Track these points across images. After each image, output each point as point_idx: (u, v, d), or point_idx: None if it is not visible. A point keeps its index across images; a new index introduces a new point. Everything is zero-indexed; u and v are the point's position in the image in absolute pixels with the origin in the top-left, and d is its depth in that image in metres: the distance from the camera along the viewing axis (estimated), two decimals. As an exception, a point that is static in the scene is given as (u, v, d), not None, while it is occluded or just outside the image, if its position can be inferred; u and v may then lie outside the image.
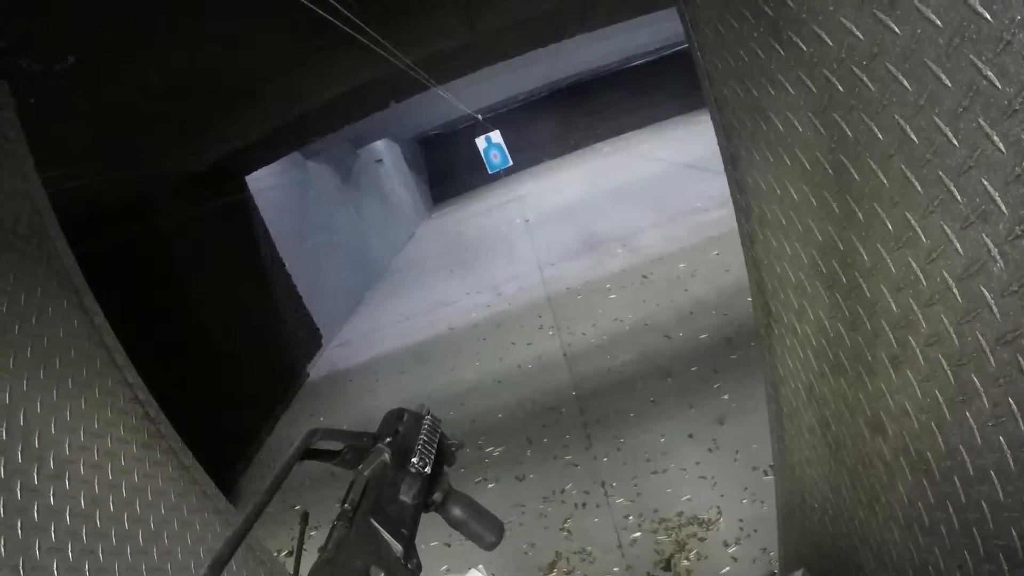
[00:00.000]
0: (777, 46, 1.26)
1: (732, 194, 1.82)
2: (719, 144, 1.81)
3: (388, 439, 0.97)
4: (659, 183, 13.54)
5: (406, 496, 0.88)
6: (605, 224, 11.16)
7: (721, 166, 1.80)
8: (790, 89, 1.27)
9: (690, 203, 10.58)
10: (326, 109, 7.28)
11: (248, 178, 9.46)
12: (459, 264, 12.95)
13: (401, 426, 1.01)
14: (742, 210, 1.78)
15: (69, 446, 1.44)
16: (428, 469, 0.93)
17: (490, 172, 21.80)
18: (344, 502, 0.82)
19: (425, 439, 0.99)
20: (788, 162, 1.39)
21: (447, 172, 27.38)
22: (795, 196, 1.42)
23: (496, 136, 21.40)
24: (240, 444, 6.68)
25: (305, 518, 0.90)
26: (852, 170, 1.16)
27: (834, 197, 1.26)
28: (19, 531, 1.24)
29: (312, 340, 9.90)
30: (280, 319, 9.13)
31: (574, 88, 25.73)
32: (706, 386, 4.93)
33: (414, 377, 7.50)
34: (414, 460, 0.93)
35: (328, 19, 3.47)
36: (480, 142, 21.54)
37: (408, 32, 4.64)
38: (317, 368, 9.41)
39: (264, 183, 9.92)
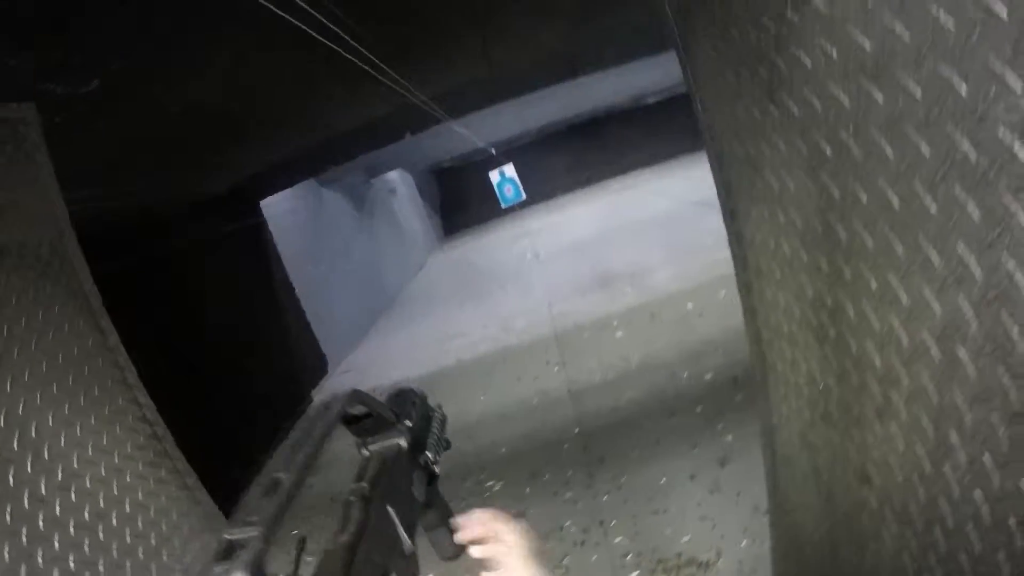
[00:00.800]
0: (772, 107, 1.30)
1: (730, 245, 1.86)
2: (719, 197, 1.85)
3: (407, 422, 0.87)
4: (669, 220, 13.57)
5: (417, 492, 0.83)
6: (615, 261, 11.19)
7: None
8: (783, 149, 1.31)
9: (699, 241, 10.56)
10: (342, 139, 7.40)
11: (262, 203, 9.57)
12: (469, 296, 12.97)
13: (414, 411, 0.91)
14: (739, 261, 1.82)
15: (77, 460, 1.48)
16: (438, 469, 0.89)
17: (503, 206, 21.98)
18: (361, 479, 0.74)
19: (437, 433, 0.93)
20: (782, 219, 1.43)
21: (460, 204, 27.50)
22: (788, 252, 1.46)
23: (510, 170, 21.59)
24: (239, 464, 6.68)
25: (302, 543, 0.77)
26: (839, 230, 1.20)
27: (823, 254, 1.30)
28: (24, 539, 1.28)
29: (318, 366, 9.94)
30: (287, 343, 9.18)
31: (588, 124, 25.86)
32: (710, 426, 4.93)
33: (418, 408, 7.47)
34: (428, 455, 0.88)
35: (345, 54, 3.56)
36: (494, 175, 21.73)
37: (424, 67, 4.74)
38: (321, 394, 9.40)
39: (278, 208, 10.04)
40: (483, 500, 4.90)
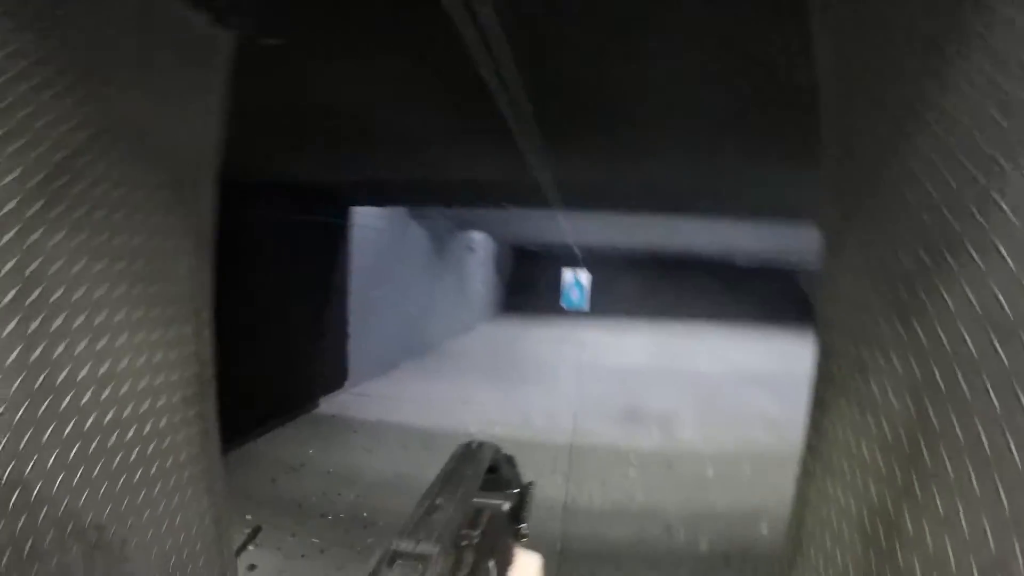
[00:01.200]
0: (900, 327, 1.33)
1: (806, 431, 1.83)
2: (812, 383, 1.83)
3: (516, 489, 0.84)
4: (717, 382, 13.41)
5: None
6: (650, 400, 11.06)
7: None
8: (899, 367, 1.32)
9: (738, 412, 10.45)
10: (452, 185, 7.60)
11: (354, 209, 9.83)
12: (501, 376, 12.94)
13: (519, 481, 0.88)
14: (810, 449, 1.79)
15: (121, 364, 1.52)
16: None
17: (564, 306, 22.07)
18: (475, 528, 0.70)
19: (529, 508, 0.87)
20: (872, 426, 1.43)
21: (525, 288, 27.72)
22: (866, 455, 1.45)
23: (584, 277, 21.78)
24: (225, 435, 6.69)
25: (256, 531, 0.69)
26: (926, 455, 1.21)
27: (901, 469, 1.29)
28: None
29: (337, 378, 9.97)
30: (319, 345, 9.26)
31: (670, 262, 26.07)
32: (686, 596, 4.77)
33: (415, 459, 7.42)
34: (523, 528, 0.84)
35: (494, 114, 3.69)
36: (567, 274, 21.93)
37: (560, 153, 4.86)
38: (329, 404, 9.43)
39: (366, 220, 10.29)
40: None
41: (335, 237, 9.52)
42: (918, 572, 1.21)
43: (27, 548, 1.35)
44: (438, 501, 0.65)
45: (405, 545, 0.56)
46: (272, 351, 7.84)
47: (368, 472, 6.85)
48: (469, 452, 0.80)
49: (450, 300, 17.14)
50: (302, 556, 4.96)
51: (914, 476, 1.25)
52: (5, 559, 1.30)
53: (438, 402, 10.23)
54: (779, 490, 6.77)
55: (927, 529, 1.19)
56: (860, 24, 1.58)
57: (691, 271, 26.63)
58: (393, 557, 0.55)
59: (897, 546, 1.29)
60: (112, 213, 1.47)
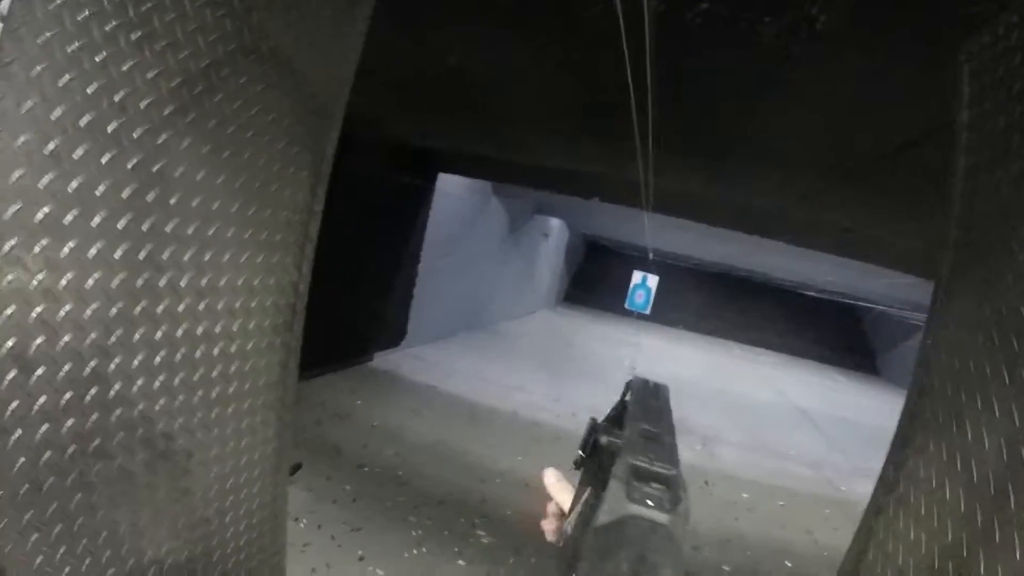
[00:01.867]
0: (1005, 374, 1.33)
1: (884, 466, 1.81)
2: (900, 419, 1.81)
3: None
4: (765, 410, 13.22)
5: None
6: (698, 415, 10.90)
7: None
8: (997, 411, 1.33)
9: (783, 443, 10.28)
10: (539, 168, 7.56)
11: (439, 175, 9.87)
12: (554, 365, 12.92)
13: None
14: (886, 484, 1.77)
15: (221, 284, 1.52)
16: None
17: (626, 307, 21.89)
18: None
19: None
20: (959, 466, 1.43)
21: (592, 282, 27.65)
22: (948, 494, 1.44)
23: (652, 281, 21.52)
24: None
25: (298, 467, 0.76)
26: (1012, 499, 1.22)
27: (983, 511, 1.30)
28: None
29: (394, 335, 10.08)
30: (384, 302, 9.36)
31: (741, 281, 25.78)
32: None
33: (458, 429, 7.48)
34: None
35: (616, 112, 3.63)
36: (635, 276, 21.71)
37: (662, 160, 4.79)
38: (383, 361, 9.55)
39: (449, 188, 10.32)
40: (468, 544, 4.82)
41: (418, 199, 9.58)
42: (985, 612, 1.21)
43: (92, 446, 1.36)
44: (644, 427, 0.66)
45: (642, 462, 0.57)
46: (339, 298, 7.94)
47: (411, 433, 6.91)
48: (650, 388, 0.81)
49: (516, 281, 17.16)
50: (333, 501, 5.03)
51: (995, 519, 1.26)
52: (69, 453, 1.32)
53: (489, 379, 10.27)
54: (808, 528, 6.65)
55: (1000, 571, 1.20)
56: (1000, 94, 1.59)
57: (759, 295, 26.36)
58: (636, 471, 0.56)
59: None
60: (240, 131, 1.47)
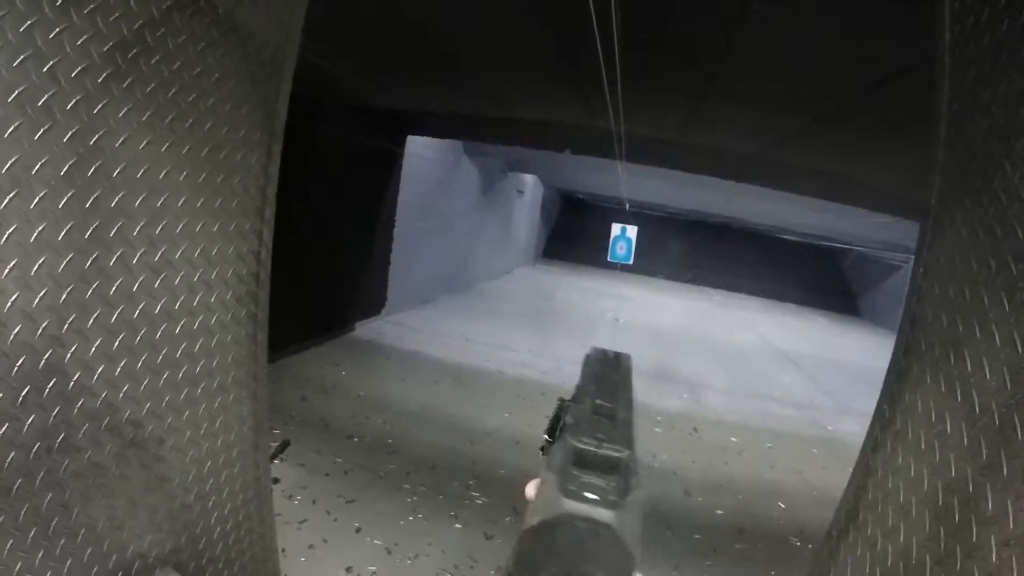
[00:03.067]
0: (1004, 299, 1.32)
1: (880, 401, 1.78)
2: (893, 356, 1.77)
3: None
4: (748, 355, 13.34)
5: None
6: (683, 364, 10.97)
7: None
8: (996, 338, 1.32)
9: (767, 386, 10.39)
10: (515, 121, 7.43)
11: (409, 138, 9.70)
12: (537, 321, 12.92)
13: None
14: (881, 420, 1.76)
15: (177, 252, 1.44)
16: None
17: (608, 259, 21.90)
18: None
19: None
20: (959, 397, 1.41)
21: (570, 236, 27.62)
22: (949, 428, 1.43)
23: (631, 232, 21.52)
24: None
25: (285, 444, 0.69)
26: (1019, 429, 1.21)
27: (988, 443, 1.28)
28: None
29: (374, 305, 10.00)
30: (362, 270, 9.26)
31: (719, 228, 25.87)
32: (698, 560, 4.71)
33: (444, 392, 7.45)
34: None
35: (585, 57, 3.54)
36: (615, 228, 21.69)
37: (634, 105, 4.70)
38: (365, 330, 9.48)
39: (419, 150, 10.18)
40: (462, 507, 4.81)
41: (389, 163, 9.43)
42: (993, 549, 1.20)
43: (58, 441, 1.29)
44: (598, 402, 0.60)
45: (587, 445, 0.52)
46: (315, 268, 7.83)
47: (397, 400, 6.87)
48: (608, 359, 0.74)
49: (493, 240, 17.06)
50: (325, 475, 4.99)
51: (1002, 452, 1.24)
52: (34, 451, 1.25)
53: (472, 340, 10.23)
54: (797, 469, 6.71)
55: (1009, 506, 1.19)
56: (983, 10, 1.54)
57: (738, 241, 26.47)
58: (579, 457, 0.50)
59: (973, 522, 1.28)
60: (182, 94, 1.37)
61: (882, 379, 1.79)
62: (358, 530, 4.32)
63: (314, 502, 4.56)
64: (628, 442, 0.53)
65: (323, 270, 8.08)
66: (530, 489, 0.74)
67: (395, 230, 9.91)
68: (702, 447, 7.08)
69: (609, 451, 0.51)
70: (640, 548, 0.47)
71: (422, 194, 10.84)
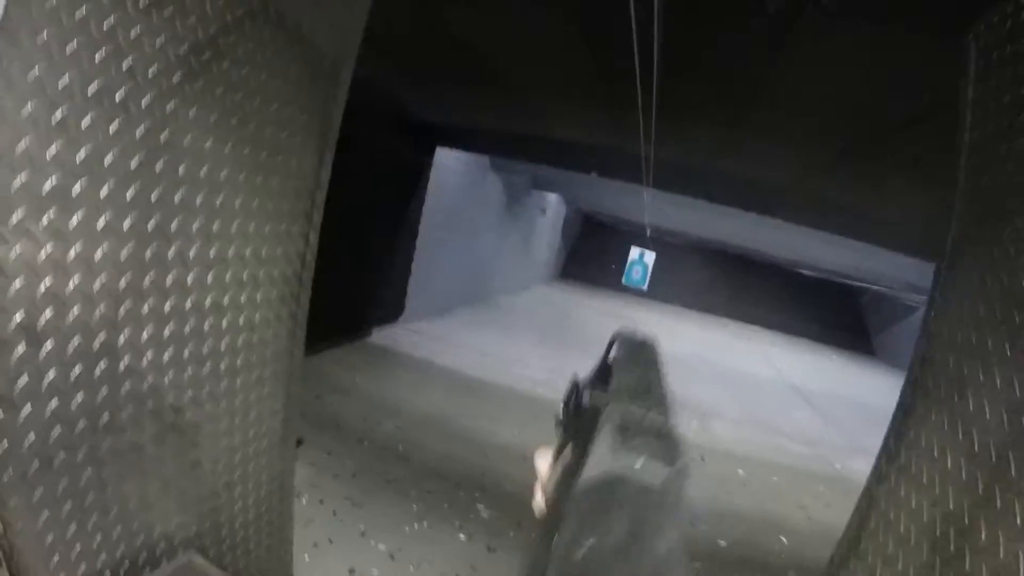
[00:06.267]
0: (1007, 344, 1.38)
1: (887, 435, 1.83)
2: (902, 389, 1.82)
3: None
4: (761, 388, 13.25)
5: None
6: (694, 392, 10.92)
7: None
8: (998, 380, 1.38)
9: (779, 422, 10.31)
10: (541, 140, 7.49)
11: (439, 149, 9.78)
12: (551, 340, 12.93)
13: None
14: (887, 453, 1.82)
15: (234, 246, 1.50)
16: None
17: (623, 282, 21.91)
18: None
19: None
20: (960, 434, 1.47)
21: (588, 257, 27.61)
22: (949, 463, 1.49)
23: (649, 257, 21.54)
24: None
25: (299, 441, 0.67)
26: (1013, 466, 1.27)
27: (984, 479, 1.35)
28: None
29: (393, 310, 10.05)
30: (383, 276, 9.32)
31: (737, 259, 25.77)
32: (697, 587, 4.71)
33: (457, 403, 7.48)
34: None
35: (621, 82, 3.59)
36: (633, 252, 21.71)
37: (666, 131, 4.75)
38: (382, 336, 9.54)
39: (447, 161, 10.26)
40: (467, 518, 4.83)
41: (417, 173, 9.51)
42: (983, 577, 1.25)
43: (102, 420, 1.34)
44: (635, 376, 0.61)
45: (631, 414, 0.52)
46: (338, 272, 7.89)
47: (410, 407, 6.91)
48: (638, 339, 0.77)
49: (513, 256, 17.11)
50: (334, 476, 5.03)
51: (996, 487, 1.31)
52: (78, 428, 1.30)
53: (487, 354, 10.26)
54: (802, 504, 6.66)
55: (1001, 537, 1.25)
56: (1005, 71, 1.61)
57: (755, 272, 26.34)
58: (625, 424, 0.50)
59: (967, 551, 1.34)
60: (248, 98, 1.44)
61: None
62: (363, 533, 4.35)
63: (321, 502, 4.60)
64: (669, 412, 0.55)
65: (345, 274, 8.13)
66: (539, 457, 0.74)
67: (418, 239, 9.98)
68: (709, 476, 7.06)
69: (654, 419, 0.52)
70: (686, 512, 0.51)
71: (447, 205, 10.91)
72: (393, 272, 9.65)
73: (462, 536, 4.61)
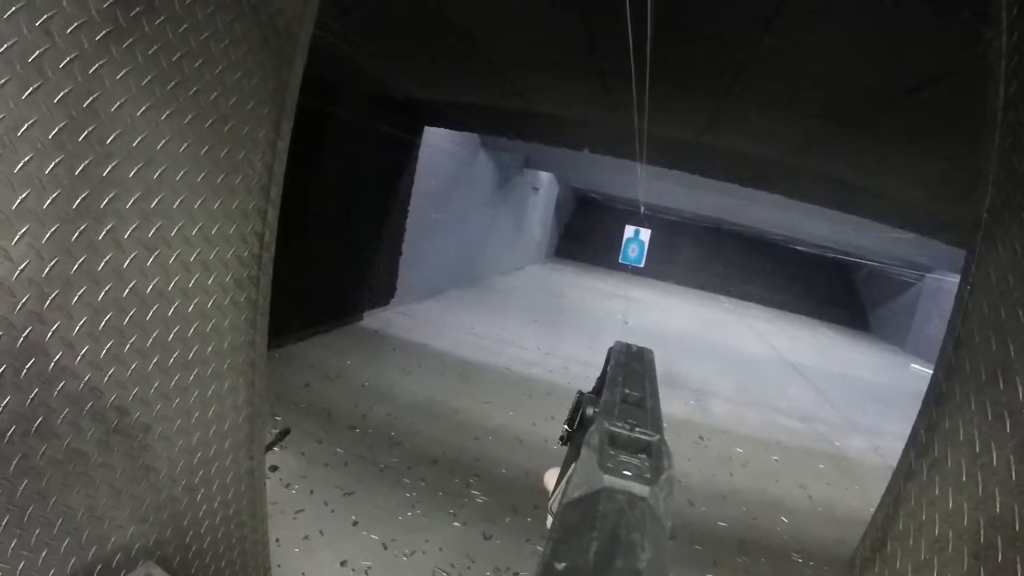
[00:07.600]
0: None
1: (918, 426, 1.68)
2: (933, 377, 1.66)
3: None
4: (757, 365, 13.19)
5: None
6: (690, 370, 10.85)
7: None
8: None
9: (775, 397, 10.25)
10: (531, 116, 7.33)
11: (426, 129, 9.61)
12: (545, 320, 12.83)
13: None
14: (917, 446, 1.66)
15: (179, 230, 1.35)
16: None
17: (620, 261, 21.82)
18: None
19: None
20: (1007, 426, 1.32)
21: (582, 236, 27.55)
22: (995, 460, 1.33)
23: (645, 234, 21.46)
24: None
25: (286, 432, 0.71)
26: None
27: None
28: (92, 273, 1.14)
29: (384, 294, 9.93)
30: (374, 259, 9.18)
31: (732, 235, 25.76)
32: (698, 573, 4.60)
33: (450, 386, 7.36)
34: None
35: (614, 53, 3.44)
36: (628, 230, 21.63)
37: (658, 104, 4.60)
38: (373, 319, 9.41)
39: (436, 141, 10.10)
40: (461, 505, 4.72)
41: (405, 153, 9.33)
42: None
43: (36, 425, 1.20)
44: (625, 391, 0.63)
45: (620, 428, 0.53)
46: (325, 255, 7.75)
47: (402, 392, 6.79)
48: (632, 352, 0.78)
49: (505, 236, 16.97)
50: (325, 465, 4.91)
51: None
52: (9, 435, 1.16)
53: (480, 335, 10.15)
54: (802, 484, 6.58)
55: None
56: None
57: (751, 249, 26.38)
58: (612, 438, 0.52)
59: (1017, 563, 1.19)
60: (189, 59, 1.27)
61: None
62: (355, 523, 4.24)
63: (312, 492, 4.49)
64: (657, 427, 0.55)
65: (334, 257, 8.00)
66: (548, 478, 0.75)
67: (408, 220, 9.82)
68: (707, 456, 6.97)
69: (640, 435, 0.53)
70: (671, 523, 0.49)
71: (437, 186, 10.76)
72: (383, 254, 9.50)
73: (457, 523, 4.50)
